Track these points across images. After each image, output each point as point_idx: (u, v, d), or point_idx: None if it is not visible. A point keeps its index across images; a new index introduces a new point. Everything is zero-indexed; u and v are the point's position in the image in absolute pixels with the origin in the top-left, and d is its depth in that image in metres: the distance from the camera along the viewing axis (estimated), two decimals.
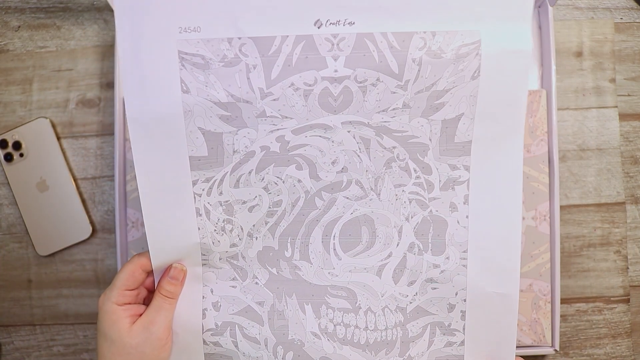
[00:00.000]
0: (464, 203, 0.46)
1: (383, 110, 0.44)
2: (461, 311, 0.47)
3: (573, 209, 0.59)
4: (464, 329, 0.47)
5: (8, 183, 0.58)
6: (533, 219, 0.56)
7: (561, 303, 0.57)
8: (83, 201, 0.58)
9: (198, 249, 0.46)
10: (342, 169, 0.46)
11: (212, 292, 0.48)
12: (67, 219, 0.58)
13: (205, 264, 0.47)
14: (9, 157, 0.57)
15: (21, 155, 0.57)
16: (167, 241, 0.45)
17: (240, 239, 0.47)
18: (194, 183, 0.44)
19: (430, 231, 0.47)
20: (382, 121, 0.44)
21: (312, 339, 0.48)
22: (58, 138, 0.58)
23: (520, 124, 0.44)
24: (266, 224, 0.47)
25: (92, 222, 0.58)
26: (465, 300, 0.47)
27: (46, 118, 0.58)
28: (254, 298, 0.48)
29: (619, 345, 0.59)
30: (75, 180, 0.58)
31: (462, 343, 0.48)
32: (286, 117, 0.44)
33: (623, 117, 0.59)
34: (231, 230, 0.46)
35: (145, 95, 0.42)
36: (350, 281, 0.47)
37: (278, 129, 0.44)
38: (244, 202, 0.46)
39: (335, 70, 0.42)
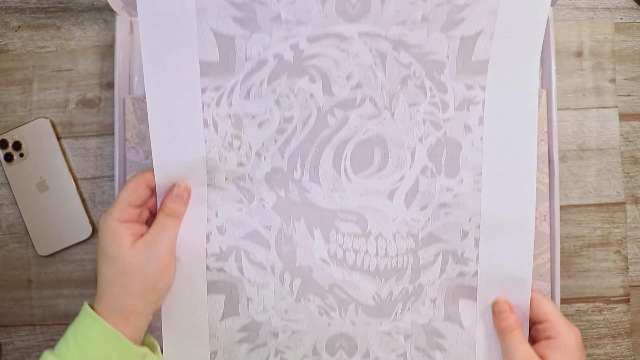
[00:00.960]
0: (479, 124, 0.44)
1: (401, 22, 0.42)
2: (475, 238, 0.45)
3: (573, 209, 0.59)
4: (477, 258, 0.45)
5: (8, 183, 0.58)
6: None
7: (561, 303, 0.57)
8: (83, 201, 0.58)
9: (204, 164, 0.44)
10: (357, 84, 0.44)
11: (217, 215, 0.46)
12: (67, 219, 0.58)
13: (210, 185, 0.45)
14: (9, 157, 0.57)
15: (21, 155, 0.57)
16: (172, 153, 0.43)
17: (248, 157, 0.45)
18: (203, 91, 0.43)
19: (444, 153, 0.45)
20: (400, 34, 0.43)
21: (321, 265, 0.46)
22: (58, 138, 0.58)
23: (537, 48, 0.43)
24: (275, 142, 0.45)
25: (92, 222, 0.58)
26: (479, 227, 0.45)
27: (46, 118, 0.58)
28: (260, 221, 0.46)
29: (619, 346, 0.59)
30: (75, 180, 0.58)
31: (476, 274, 0.46)
32: (301, 23, 0.42)
33: (623, 117, 0.59)
34: (239, 148, 0.44)
35: None
36: (360, 205, 0.45)
37: (293, 36, 0.43)
38: (254, 117, 0.44)
39: None
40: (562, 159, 0.58)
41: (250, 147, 0.45)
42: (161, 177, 0.44)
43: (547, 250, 0.56)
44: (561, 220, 0.57)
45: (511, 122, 0.44)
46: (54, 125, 0.58)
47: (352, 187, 0.45)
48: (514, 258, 0.45)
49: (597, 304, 0.59)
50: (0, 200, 0.59)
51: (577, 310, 0.59)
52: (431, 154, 0.45)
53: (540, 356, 0.41)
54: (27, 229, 0.58)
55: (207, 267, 0.46)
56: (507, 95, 0.44)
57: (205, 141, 0.44)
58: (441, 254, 0.46)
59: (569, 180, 0.59)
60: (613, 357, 0.59)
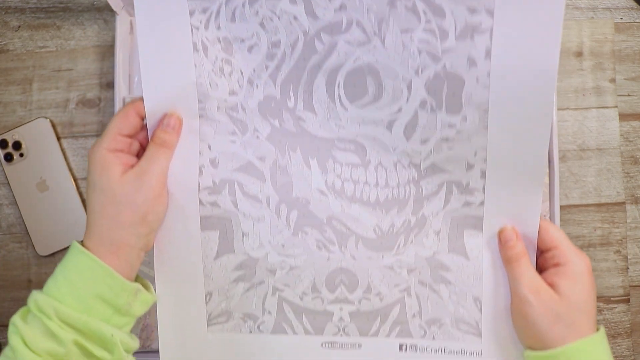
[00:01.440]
0: (485, 57, 0.39)
1: None
2: (481, 170, 0.42)
3: (573, 209, 0.59)
4: (484, 188, 0.42)
5: (8, 183, 0.58)
6: None
7: None
8: (83, 201, 0.58)
9: (194, 91, 0.42)
10: (340, 6, 0.40)
11: (209, 147, 0.44)
12: (67, 219, 0.58)
13: (202, 116, 0.43)
14: (9, 157, 0.57)
15: (21, 155, 0.57)
16: (161, 79, 0.42)
17: (240, 85, 0.43)
18: (191, 13, 0.41)
19: (444, 89, 0.41)
20: None
21: (318, 196, 0.44)
22: (58, 138, 0.58)
23: None
24: (266, 68, 0.42)
25: None
26: (485, 160, 0.42)
27: (46, 118, 0.58)
28: (254, 153, 0.44)
29: (619, 345, 0.59)
30: (75, 180, 0.58)
31: (482, 203, 0.43)
32: None
33: (623, 117, 0.59)
34: (230, 74, 0.43)
35: None
36: (358, 133, 0.43)
37: None
38: (242, 41, 0.42)
39: None
40: (562, 159, 0.58)
41: (241, 73, 0.43)
42: (151, 106, 0.42)
43: None
44: (561, 220, 0.57)
45: (526, 53, 0.39)
46: (54, 125, 0.58)
47: (348, 115, 0.43)
48: (523, 187, 0.41)
49: (597, 303, 0.59)
50: (0, 200, 0.59)
51: None
52: (430, 88, 0.41)
53: (549, 284, 0.40)
54: (27, 229, 0.58)
55: (200, 202, 0.44)
56: (522, 18, 0.38)
57: (195, 65, 0.42)
58: (445, 184, 0.43)
59: (569, 180, 0.59)
60: (613, 357, 0.59)
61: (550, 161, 0.55)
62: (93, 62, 0.59)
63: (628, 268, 0.59)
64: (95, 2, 0.59)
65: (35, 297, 0.39)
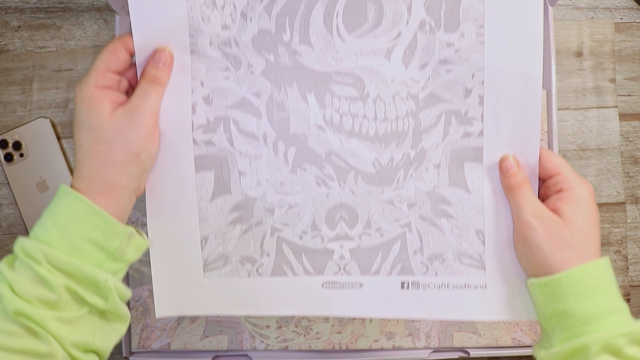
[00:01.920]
0: None
1: None
2: (479, 96, 0.42)
3: None
4: (482, 116, 0.42)
5: (8, 183, 0.58)
6: None
7: None
8: None
9: (185, 25, 0.41)
10: None
11: (202, 85, 0.42)
12: None
13: (194, 52, 0.42)
14: (9, 157, 0.57)
15: (21, 155, 0.57)
16: (151, 13, 0.41)
17: (233, 19, 0.42)
18: None
19: (442, 6, 0.42)
20: None
21: (317, 132, 0.43)
22: (58, 138, 0.58)
23: None
24: (261, 1, 0.42)
25: None
26: (483, 83, 0.42)
27: (46, 118, 0.58)
28: (249, 89, 0.43)
29: None
30: None
31: (481, 133, 0.43)
32: None
33: (623, 117, 0.59)
34: (223, 7, 0.42)
35: None
36: (356, 66, 0.42)
37: None
38: None
39: None
40: None
41: (234, 6, 0.42)
42: (141, 41, 0.41)
43: None
44: None
45: None
46: (54, 125, 0.58)
47: (345, 47, 0.42)
48: (520, 112, 0.42)
49: None
50: (0, 200, 0.59)
51: None
52: (429, 8, 0.42)
53: (552, 210, 0.39)
54: (27, 229, 0.58)
55: (194, 141, 0.43)
56: None
57: None
58: (444, 114, 0.43)
59: None
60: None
61: None
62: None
63: (628, 268, 0.59)
64: (95, 2, 0.59)
65: (22, 242, 0.37)
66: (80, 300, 0.37)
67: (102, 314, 0.39)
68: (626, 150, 0.59)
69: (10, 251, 0.58)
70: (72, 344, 0.36)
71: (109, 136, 0.38)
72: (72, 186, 0.39)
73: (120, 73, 0.41)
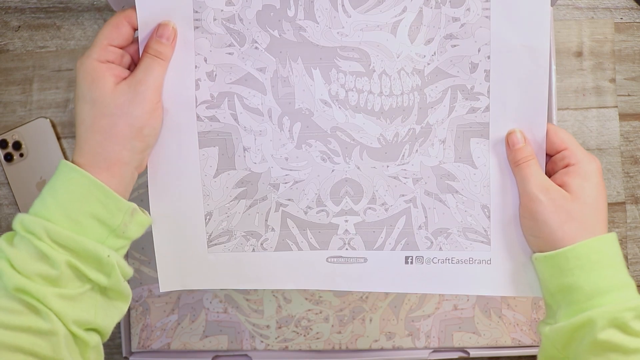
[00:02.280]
0: None
1: None
2: (485, 70, 0.42)
3: None
4: (488, 91, 0.42)
5: (8, 183, 0.58)
6: None
7: None
8: None
9: (189, 0, 0.41)
10: None
11: (205, 60, 0.42)
12: None
13: (197, 28, 0.42)
14: (9, 157, 0.57)
15: (21, 155, 0.57)
16: None
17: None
18: None
19: None
20: None
21: (322, 107, 0.43)
22: (58, 138, 0.58)
23: None
24: None
25: None
26: (489, 58, 0.42)
27: (46, 118, 0.58)
28: (254, 64, 0.43)
29: None
30: None
31: (487, 108, 0.43)
32: None
33: (623, 117, 0.59)
34: None
35: None
36: (362, 41, 0.42)
37: None
38: None
39: None
40: None
41: None
42: (144, 15, 0.41)
43: None
44: None
45: None
46: (54, 125, 0.58)
47: (351, 22, 0.42)
48: (527, 87, 0.42)
49: None
50: (0, 200, 0.59)
51: None
52: None
53: (559, 184, 0.39)
54: None
55: (198, 117, 0.43)
56: None
57: None
58: (449, 89, 0.43)
59: None
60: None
61: None
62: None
63: (628, 268, 0.58)
64: (95, 2, 0.59)
65: (22, 218, 0.36)
66: (82, 277, 0.37)
67: (103, 291, 0.39)
68: (626, 150, 0.59)
69: None
70: (73, 322, 0.36)
71: (111, 110, 0.38)
72: (73, 161, 0.38)
73: (123, 47, 0.41)
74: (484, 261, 0.44)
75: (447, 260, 0.44)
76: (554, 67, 0.55)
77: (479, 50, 0.42)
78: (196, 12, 0.42)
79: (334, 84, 0.43)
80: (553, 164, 0.41)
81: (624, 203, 0.59)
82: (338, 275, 0.44)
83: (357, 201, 0.44)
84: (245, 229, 0.44)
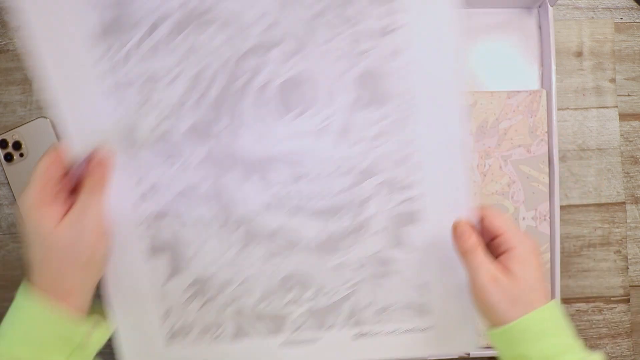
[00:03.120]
0: (402, 51, 0.43)
1: None
2: (414, 163, 0.45)
3: (573, 209, 0.59)
4: (420, 182, 0.46)
5: (8, 183, 0.58)
6: (533, 219, 0.56)
7: (561, 303, 0.57)
8: None
9: (122, 123, 0.43)
10: (268, 26, 0.43)
11: (144, 177, 0.44)
12: None
13: (133, 146, 0.44)
14: (9, 157, 0.57)
15: (21, 155, 0.57)
16: (86, 116, 0.42)
17: (170, 112, 0.43)
18: (108, 49, 0.42)
19: (373, 82, 0.44)
20: None
21: (263, 211, 0.46)
22: (58, 138, 0.58)
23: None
24: (196, 91, 0.43)
25: None
26: (418, 150, 0.45)
27: (46, 118, 0.58)
28: (192, 177, 0.45)
29: (619, 345, 0.59)
30: None
31: (419, 197, 0.46)
32: None
33: (623, 117, 0.59)
34: (157, 103, 0.43)
35: None
36: (294, 147, 0.45)
37: None
38: (168, 69, 0.43)
39: None
40: (562, 159, 0.58)
41: (169, 99, 0.43)
42: (75, 144, 0.42)
43: (547, 250, 0.56)
44: (561, 220, 0.57)
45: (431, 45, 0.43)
46: (54, 125, 0.58)
47: (282, 130, 0.45)
48: (451, 177, 0.45)
49: (597, 303, 0.59)
50: (0, 200, 0.59)
51: (577, 310, 0.59)
52: (360, 84, 0.44)
53: (502, 267, 0.42)
54: None
55: (144, 231, 0.45)
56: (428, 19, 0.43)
57: (119, 101, 0.42)
58: (382, 184, 0.46)
59: (569, 180, 0.59)
60: (613, 357, 0.59)
61: (550, 161, 0.55)
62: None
63: (628, 268, 0.59)
64: None
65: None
66: None
67: None
68: (626, 150, 0.59)
69: (10, 251, 0.58)
70: None
71: (58, 251, 0.39)
72: (32, 281, 0.40)
73: (60, 180, 0.41)
74: (427, 328, 0.48)
75: (393, 332, 0.48)
76: (554, 67, 0.55)
77: (407, 144, 0.45)
78: (130, 132, 0.43)
79: (272, 189, 0.46)
80: (493, 248, 0.44)
81: (624, 203, 0.59)
82: (292, 358, 0.48)
83: (304, 291, 0.47)
84: (202, 323, 0.47)
